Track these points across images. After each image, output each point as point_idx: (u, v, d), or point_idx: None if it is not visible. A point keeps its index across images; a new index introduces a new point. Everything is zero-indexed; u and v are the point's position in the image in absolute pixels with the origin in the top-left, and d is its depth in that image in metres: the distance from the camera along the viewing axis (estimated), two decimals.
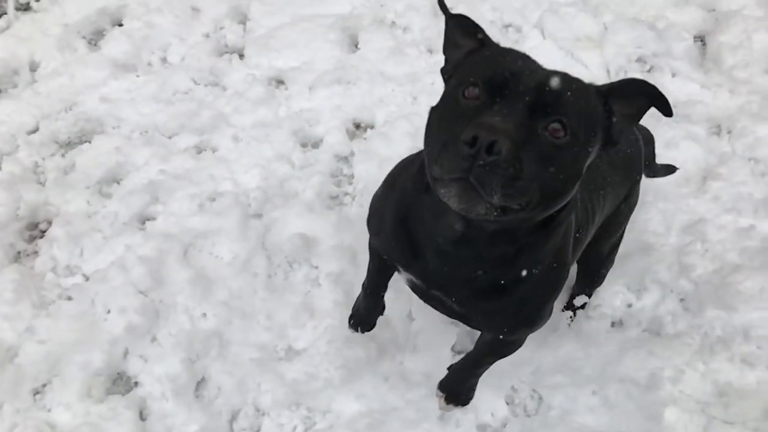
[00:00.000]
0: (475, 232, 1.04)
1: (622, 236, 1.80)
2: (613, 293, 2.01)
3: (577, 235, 1.31)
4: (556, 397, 1.80)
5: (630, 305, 2.03)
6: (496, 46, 1.05)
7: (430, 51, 2.61)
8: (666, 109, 0.99)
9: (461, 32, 1.09)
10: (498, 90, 0.90)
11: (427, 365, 1.86)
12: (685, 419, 1.80)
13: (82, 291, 1.98)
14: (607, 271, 1.87)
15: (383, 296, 1.72)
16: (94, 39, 2.73)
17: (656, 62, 2.65)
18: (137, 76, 2.56)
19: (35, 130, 2.42)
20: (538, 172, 0.86)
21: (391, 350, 1.91)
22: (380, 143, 2.32)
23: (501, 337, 1.38)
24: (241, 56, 2.63)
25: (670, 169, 2.02)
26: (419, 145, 2.31)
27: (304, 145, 2.38)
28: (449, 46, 1.12)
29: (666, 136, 2.40)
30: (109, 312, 1.93)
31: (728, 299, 1.98)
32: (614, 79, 2.64)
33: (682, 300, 2.03)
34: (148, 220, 2.15)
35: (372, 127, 2.42)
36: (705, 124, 2.45)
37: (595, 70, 2.65)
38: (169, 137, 2.37)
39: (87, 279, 2.04)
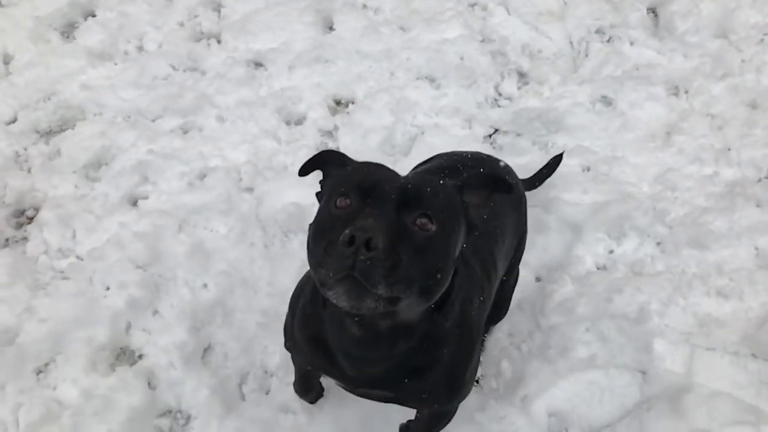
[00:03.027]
0: (374, 333, 1.11)
1: (517, 275, 1.85)
2: (595, 240, 2.12)
3: (482, 298, 1.40)
4: (552, 336, 1.89)
5: (611, 251, 2.15)
6: (357, 162, 1.14)
7: (403, 29, 2.71)
8: (505, 189, 1.16)
9: (335, 163, 1.17)
10: (366, 194, 0.98)
11: None
12: (672, 349, 1.92)
13: (79, 270, 1.97)
14: (510, 303, 1.88)
15: (318, 384, 1.77)
16: (67, 31, 2.72)
17: (614, 32, 2.82)
18: (115, 64, 2.57)
19: (14, 121, 2.40)
20: (414, 260, 0.93)
21: None
22: (363, 116, 2.39)
23: (436, 407, 1.43)
24: (219, 41, 2.67)
25: (556, 161, 2.13)
26: (401, 116, 2.41)
27: (288, 123, 2.43)
28: (325, 179, 1.19)
29: (630, 98, 2.55)
30: (108, 288, 1.93)
31: (701, 239, 2.12)
32: (578, 50, 2.79)
33: (659, 243, 2.16)
34: (141, 199, 2.16)
35: (353, 102, 2.49)
36: (664, 86, 2.61)
37: (558, 42, 2.79)
38: (153, 120, 2.39)
39: (81, 260, 2.03)
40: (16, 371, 1.78)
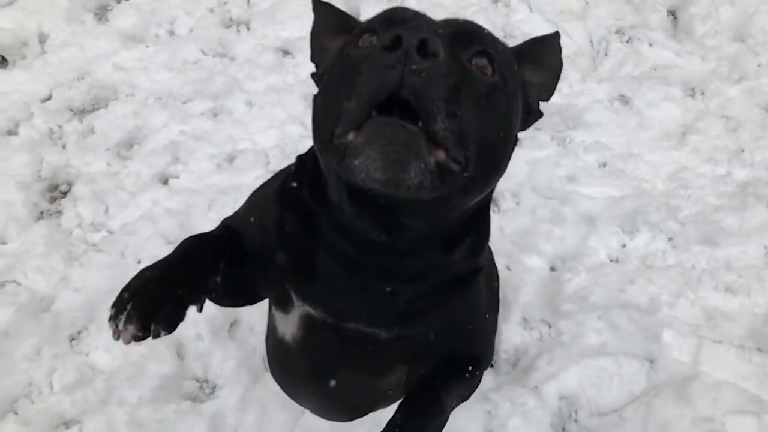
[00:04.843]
0: (401, 243, 0.82)
1: None
2: (609, 233, 2.19)
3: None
4: (565, 323, 1.96)
5: (624, 245, 2.21)
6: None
7: None
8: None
9: (334, 24, 0.90)
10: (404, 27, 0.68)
11: None
12: (680, 340, 1.99)
13: (112, 243, 2.06)
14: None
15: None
16: (100, 13, 2.79)
17: (634, 33, 2.87)
18: (147, 47, 2.64)
19: (48, 98, 2.48)
20: (472, 113, 0.68)
21: None
22: None
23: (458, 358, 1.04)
24: (248, 28, 2.74)
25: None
26: None
27: None
28: (317, 47, 0.93)
29: (647, 97, 2.61)
30: (139, 262, 2.01)
31: (711, 236, 2.19)
32: (597, 49, 2.85)
33: (670, 239, 2.22)
34: (172, 178, 2.24)
35: None
36: (680, 87, 2.67)
37: (578, 40, 2.85)
38: (184, 102, 2.47)
39: (113, 234, 2.11)
40: (51, 337, 1.87)
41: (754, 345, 1.96)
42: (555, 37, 0.93)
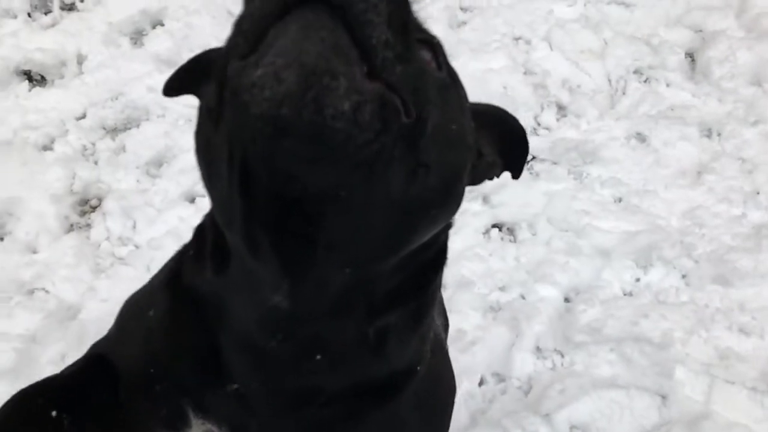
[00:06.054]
0: (310, 303, 0.59)
1: None
2: (623, 267, 2.22)
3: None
4: (578, 354, 1.99)
5: (638, 279, 2.24)
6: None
7: (450, 56, 2.85)
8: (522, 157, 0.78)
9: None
10: None
11: None
12: (692, 378, 2.00)
13: (138, 257, 2.12)
14: None
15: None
16: (136, 37, 2.92)
17: (651, 73, 2.94)
18: None
19: (83, 116, 2.58)
20: (428, 97, 0.49)
21: None
22: None
23: None
24: None
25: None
26: None
27: None
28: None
29: (663, 136, 2.67)
30: None
31: (726, 276, 2.21)
32: (615, 87, 2.92)
33: (684, 276, 2.25)
34: (198, 197, 2.31)
35: None
36: (697, 127, 2.72)
37: (597, 79, 2.92)
38: None
39: (139, 248, 2.18)
40: (76, 344, 1.91)
41: (767, 388, 1.96)
42: (522, 131, 0.81)
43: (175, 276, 0.77)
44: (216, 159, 0.52)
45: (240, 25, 0.45)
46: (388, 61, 0.43)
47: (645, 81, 2.93)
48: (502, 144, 0.78)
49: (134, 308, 0.84)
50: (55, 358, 1.85)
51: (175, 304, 0.74)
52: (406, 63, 0.45)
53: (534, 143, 2.62)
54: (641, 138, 2.68)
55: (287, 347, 0.63)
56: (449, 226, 0.67)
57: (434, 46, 0.56)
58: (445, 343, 0.92)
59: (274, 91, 0.40)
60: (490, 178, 0.77)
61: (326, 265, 0.53)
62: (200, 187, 2.37)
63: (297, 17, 0.41)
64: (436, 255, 0.67)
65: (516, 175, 0.80)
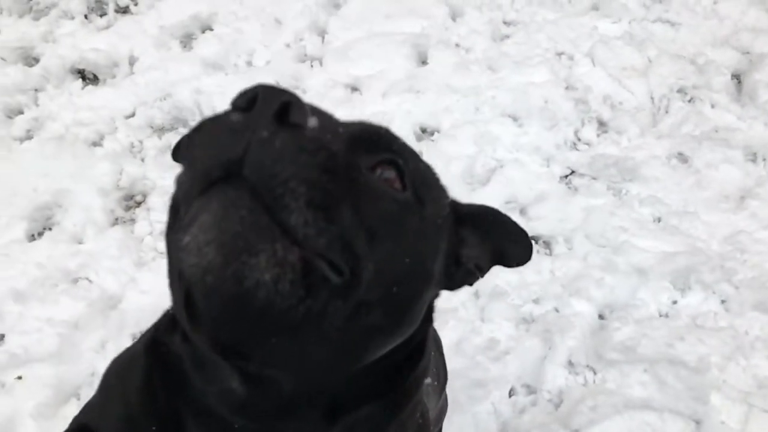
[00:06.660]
0: (263, 397, 0.60)
1: None
2: (660, 288, 2.19)
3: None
4: (610, 372, 1.96)
5: (675, 301, 2.20)
6: None
7: (492, 69, 2.87)
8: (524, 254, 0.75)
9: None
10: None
11: None
12: (729, 405, 1.95)
13: None
14: None
15: None
16: (185, 41, 3.01)
17: (696, 93, 2.90)
18: (226, 74, 2.83)
19: (132, 115, 2.67)
20: (371, 225, 0.49)
21: None
22: (447, 144, 2.55)
23: None
24: (321, 64, 2.90)
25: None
26: (483, 148, 2.56)
27: None
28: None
29: (706, 157, 2.62)
30: None
31: (767, 304, 2.16)
32: (658, 106, 2.89)
33: (723, 301, 2.20)
34: None
35: (438, 132, 2.65)
36: (742, 151, 2.67)
37: (639, 96, 2.89)
38: None
39: None
40: (116, 333, 1.98)
41: None
42: (524, 234, 0.77)
43: (153, 340, 0.76)
44: (172, 268, 0.54)
45: (179, 182, 0.50)
46: (310, 236, 0.45)
47: (689, 101, 2.90)
48: (499, 243, 0.75)
49: (117, 368, 0.83)
50: (95, 345, 1.91)
51: (151, 365, 0.73)
52: (337, 224, 0.46)
53: (574, 157, 2.61)
54: (683, 158, 2.65)
55: (247, 428, 0.63)
56: (431, 321, 0.69)
57: (399, 166, 0.56)
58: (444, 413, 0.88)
59: (199, 261, 0.44)
60: (470, 284, 0.74)
61: (272, 373, 0.56)
62: None
63: (218, 193, 0.44)
64: (412, 352, 0.67)
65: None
